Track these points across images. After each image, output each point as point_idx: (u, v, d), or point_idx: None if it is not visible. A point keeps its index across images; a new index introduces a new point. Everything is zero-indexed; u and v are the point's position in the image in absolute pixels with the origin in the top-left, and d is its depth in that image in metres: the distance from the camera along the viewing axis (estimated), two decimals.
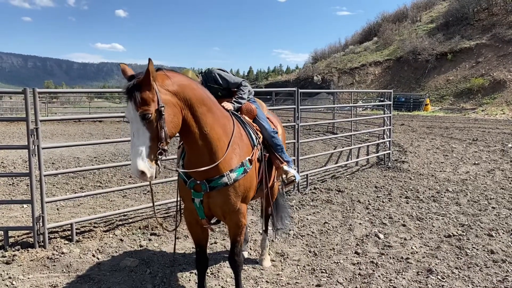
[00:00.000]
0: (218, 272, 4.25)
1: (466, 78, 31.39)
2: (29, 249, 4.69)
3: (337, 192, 7.45)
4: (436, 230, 5.43)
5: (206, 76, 3.85)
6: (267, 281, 4.07)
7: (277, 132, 3.91)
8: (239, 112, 3.67)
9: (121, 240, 5.09)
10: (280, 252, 4.76)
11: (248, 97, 3.90)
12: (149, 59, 2.51)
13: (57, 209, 6.44)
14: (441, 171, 9.29)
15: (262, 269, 4.33)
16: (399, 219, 5.92)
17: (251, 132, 3.47)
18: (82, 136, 17.29)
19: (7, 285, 3.91)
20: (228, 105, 3.52)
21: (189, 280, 4.08)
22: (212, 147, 2.96)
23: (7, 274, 4.10)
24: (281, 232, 4.93)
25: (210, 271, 4.22)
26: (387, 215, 6.10)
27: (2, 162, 10.34)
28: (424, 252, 4.72)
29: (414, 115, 26.49)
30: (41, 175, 4.76)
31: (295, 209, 6.45)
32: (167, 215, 6.13)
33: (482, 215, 6.05)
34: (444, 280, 4.02)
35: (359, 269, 4.31)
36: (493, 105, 26.94)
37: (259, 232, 5.36)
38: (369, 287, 3.93)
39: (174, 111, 2.68)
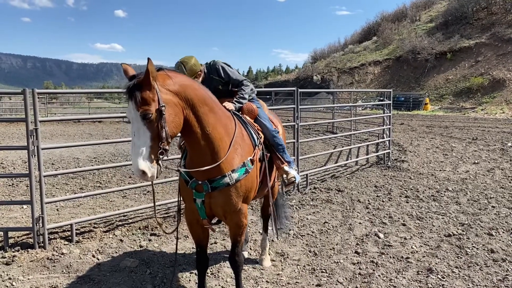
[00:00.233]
0: (218, 272, 4.25)
1: (466, 77, 31.40)
2: (29, 249, 4.68)
3: (337, 192, 7.45)
4: (436, 230, 5.43)
5: (210, 67, 3.84)
6: (267, 281, 4.07)
7: (278, 132, 3.91)
8: (240, 112, 3.67)
9: (121, 240, 5.09)
10: (280, 252, 4.76)
11: (251, 96, 3.90)
12: (148, 59, 2.51)
13: (57, 209, 6.43)
14: (441, 170, 9.29)
15: (262, 269, 4.33)
16: (399, 218, 5.92)
17: (252, 132, 3.47)
18: (82, 136, 17.28)
19: (7, 286, 3.91)
20: (229, 105, 3.52)
21: (189, 280, 4.08)
22: (214, 147, 2.96)
23: (7, 275, 4.09)
24: (281, 232, 4.94)
25: (210, 271, 4.22)
26: (387, 214, 6.10)
27: (1, 163, 10.33)
28: (424, 252, 4.72)
29: (414, 115, 26.50)
30: (40, 175, 4.75)
31: (295, 208, 6.45)
32: (167, 215, 6.12)
33: (482, 214, 6.05)
34: (444, 280, 4.02)
35: (359, 268, 4.31)
36: (493, 104, 26.96)
37: (259, 232, 5.36)
38: (369, 286, 3.93)
39: (175, 110, 2.68)
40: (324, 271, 4.26)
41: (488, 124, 18.71)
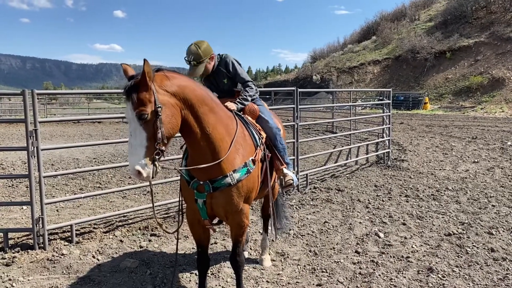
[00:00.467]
0: (219, 272, 4.24)
1: (465, 77, 31.42)
2: (29, 250, 4.68)
3: (337, 191, 7.45)
4: (436, 229, 5.43)
5: (220, 58, 3.84)
6: (267, 281, 4.07)
7: (280, 130, 3.92)
8: (242, 112, 3.67)
9: (121, 241, 5.08)
10: (281, 252, 4.76)
11: (254, 97, 3.91)
12: (145, 60, 2.52)
13: (57, 210, 6.43)
14: (440, 169, 9.29)
15: (262, 269, 4.33)
16: (399, 218, 5.92)
17: (254, 132, 3.46)
18: (81, 137, 17.26)
19: (7, 287, 3.90)
20: (231, 105, 3.52)
21: (190, 280, 4.07)
22: (214, 147, 2.96)
23: (7, 276, 4.09)
24: (281, 231, 4.93)
25: (211, 271, 4.21)
26: (387, 214, 6.10)
27: (1, 164, 10.33)
28: (425, 251, 4.72)
29: (413, 114, 26.50)
30: (40, 176, 4.75)
31: (295, 208, 6.45)
32: (167, 215, 6.12)
33: (482, 213, 6.05)
34: (444, 279, 4.02)
35: (360, 268, 4.31)
36: (492, 103, 26.98)
37: (259, 232, 5.35)
38: (370, 286, 3.92)
39: (173, 111, 2.68)
40: (324, 270, 4.26)
41: (488, 123, 18.72)
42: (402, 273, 4.16)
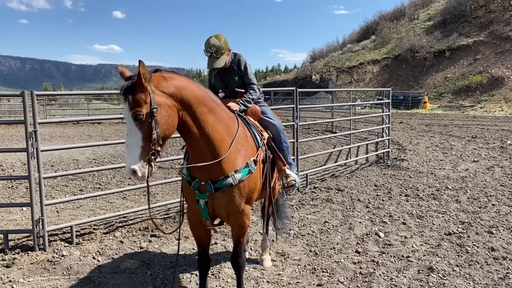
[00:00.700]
0: (219, 272, 4.24)
1: (464, 76, 31.44)
2: (29, 252, 4.67)
3: (337, 191, 7.45)
4: (437, 228, 5.43)
5: (234, 56, 3.86)
6: (268, 281, 4.07)
7: (284, 129, 3.95)
8: (243, 113, 3.67)
9: (121, 242, 5.08)
10: (281, 252, 4.76)
11: (259, 99, 3.95)
12: (140, 62, 2.55)
13: (57, 211, 6.42)
14: (440, 168, 9.29)
15: (263, 269, 4.32)
16: (399, 217, 5.92)
17: (255, 133, 3.47)
18: (81, 138, 17.26)
19: None
20: (234, 106, 3.53)
21: (190, 281, 4.07)
22: (214, 147, 2.96)
23: (7, 277, 4.08)
24: (282, 232, 4.93)
25: (211, 272, 4.21)
26: (387, 213, 6.10)
27: (1, 165, 10.32)
28: (425, 250, 4.71)
29: (413, 113, 26.51)
30: (40, 177, 4.74)
31: (295, 208, 6.45)
32: (167, 216, 6.12)
33: (482, 212, 6.05)
34: (445, 278, 4.02)
35: (360, 268, 4.31)
36: (492, 102, 26.99)
37: (259, 232, 5.35)
38: (370, 286, 3.92)
39: (169, 112, 2.69)
40: (325, 270, 4.26)
41: (487, 122, 18.73)
42: (403, 273, 4.16)
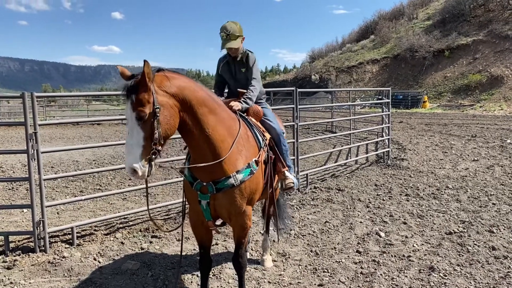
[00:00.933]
0: (220, 273, 4.24)
1: (464, 75, 31.45)
2: (30, 253, 4.67)
3: (337, 191, 7.45)
4: (437, 227, 5.44)
5: (247, 51, 3.93)
6: (269, 282, 4.07)
7: (284, 133, 3.95)
8: (246, 114, 3.68)
9: (122, 243, 5.08)
10: (282, 252, 4.76)
11: (261, 100, 4.02)
12: (145, 61, 2.54)
13: (57, 213, 6.42)
14: (440, 168, 9.29)
15: (264, 270, 4.33)
16: (399, 217, 5.92)
17: (257, 133, 3.47)
18: (81, 139, 17.24)
19: None
20: (236, 105, 3.55)
21: (191, 282, 4.07)
22: (215, 148, 2.96)
23: (8, 279, 4.08)
24: (283, 232, 4.93)
25: (212, 272, 4.20)
26: (387, 213, 6.10)
27: (1, 167, 10.31)
28: (426, 250, 4.72)
29: (412, 113, 26.51)
30: (40, 179, 4.74)
31: (295, 208, 6.45)
32: (167, 217, 6.12)
33: (483, 211, 6.05)
34: (446, 278, 4.02)
35: (361, 267, 4.31)
36: (491, 101, 27.00)
37: (260, 232, 5.35)
38: (372, 285, 3.92)
39: (171, 112, 2.70)
40: (326, 270, 4.26)
41: (487, 121, 18.74)
42: (404, 272, 4.17)
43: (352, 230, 5.42)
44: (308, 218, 5.96)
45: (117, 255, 4.72)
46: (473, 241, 4.91)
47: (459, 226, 5.44)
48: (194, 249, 4.82)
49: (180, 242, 3.57)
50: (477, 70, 30.79)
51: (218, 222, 3.42)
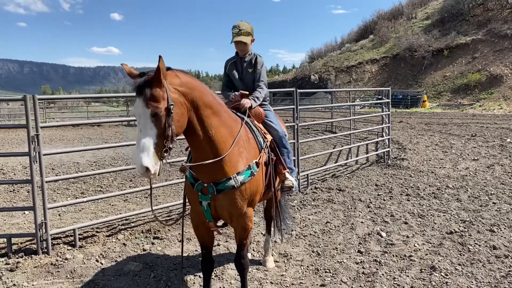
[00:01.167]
0: (222, 274, 4.26)
1: (463, 74, 31.47)
2: (32, 255, 4.69)
3: (338, 191, 7.47)
4: (438, 227, 5.45)
5: (256, 54, 4.07)
6: (271, 282, 4.08)
7: (286, 135, 3.99)
8: (247, 115, 3.70)
9: (124, 244, 5.09)
10: (283, 253, 4.77)
11: (265, 101, 4.08)
12: (160, 56, 2.53)
13: (59, 214, 6.44)
14: (440, 167, 9.31)
15: (266, 270, 4.34)
16: (400, 216, 5.93)
17: (258, 135, 3.49)
18: (81, 140, 17.25)
19: None
20: (247, 102, 3.63)
21: (194, 283, 4.09)
22: (217, 149, 2.97)
23: (12, 281, 4.10)
24: (284, 232, 4.95)
25: (214, 273, 4.22)
26: (388, 213, 6.12)
27: (1, 169, 10.33)
28: (427, 249, 4.73)
29: (412, 112, 26.53)
30: (42, 181, 4.75)
31: (296, 209, 6.47)
32: (168, 218, 6.13)
33: (483, 210, 6.07)
34: (447, 277, 4.04)
35: (363, 268, 4.33)
36: (491, 100, 27.03)
37: (261, 233, 5.37)
38: (373, 285, 3.94)
39: (182, 110, 2.70)
40: (327, 271, 4.28)
41: (487, 120, 18.75)
42: (405, 272, 4.18)
43: (353, 230, 5.44)
44: (309, 219, 5.97)
45: (119, 256, 4.74)
46: (474, 241, 4.93)
47: (459, 226, 5.46)
48: (196, 250, 4.84)
49: (181, 243, 3.57)
50: (477, 69, 30.81)
51: (220, 223, 3.44)
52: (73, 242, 5.03)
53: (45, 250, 4.76)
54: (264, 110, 3.93)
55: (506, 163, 9.44)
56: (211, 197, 3.10)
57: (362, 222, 5.74)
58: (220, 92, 4.19)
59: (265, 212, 4.69)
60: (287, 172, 3.87)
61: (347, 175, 8.86)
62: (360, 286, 3.96)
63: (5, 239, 4.87)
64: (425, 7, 47.13)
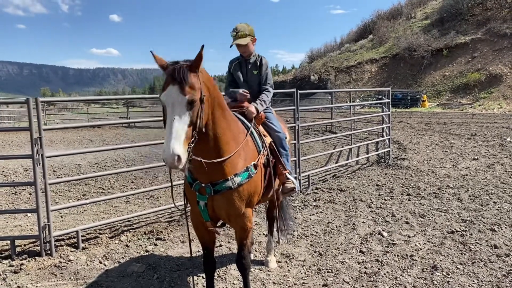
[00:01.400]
0: (225, 275, 4.28)
1: (463, 73, 31.52)
2: (36, 257, 4.71)
3: (339, 192, 7.49)
4: (439, 227, 5.48)
5: (260, 56, 4.09)
6: (274, 283, 4.11)
7: (286, 138, 3.99)
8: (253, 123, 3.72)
9: (127, 246, 5.11)
10: (286, 253, 4.80)
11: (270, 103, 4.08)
12: (203, 45, 2.55)
13: (61, 216, 6.46)
14: (441, 167, 9.34)
15: (268, 271, 4.36)
16: (401, 216, 5.96)
17: (257, 137, 3.51)
18: (82, 142, 17.29)
19: None
20: (251, 108, 3.65)
21: (197, 283, 4.11)
22: (219, 150, 2.99)
23: (16, 283, 4.12)
24: (286, 233, 4.97)
25: (217, 274, 4.25)
26: (389, 213, 6.14)
27: (3, 171, 10.35)
28: (428, 249, 4.76)
29: (412, 112, 26.57)
30: (45, 183, 4.78)
31: (298, 209, 6.49)
32: (171, 219, 6.15)
33: (484, 210, 6.09)
34: (449, 276, 4.07)
35: (365, 267, 4.35)
36: (490, 100, 27.07)
37: (263, 234, 5.39)
38: (376, 285, 3.96)
39: (207, 104, 2.73)
40: (330, 271, 4.30)
41: (486, 120, 18.78)
42: (407, 272, 4.21)
43: (355, 230, 5.47)
44: (310, 219, 6.00)
45: (123, 258, 4.76)
46: (475, 240, 4.95)
47: (460, 225, 5.48)
48: (198, 251, 4.84)
49: (188, 242, 3.59)
50: (476, 69, 30.86)
51: (219, 223, 3.45)
52: (76, 244, 5.05)
53: (49, 252, 4.79)
54: (264, 112, 3.95)
55: (506, 162, 9.47)
56: (209, 197, 3.11)
57: (363, 222, 5.77)
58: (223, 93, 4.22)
59: (267, 213, 4.71)
60: (288, 173, 3.88)
61: (348, 175, 8.89)
62: (362, 285, 3.98)
63: (8, 241, 4.89)
64: (424, 7, 47.19)
